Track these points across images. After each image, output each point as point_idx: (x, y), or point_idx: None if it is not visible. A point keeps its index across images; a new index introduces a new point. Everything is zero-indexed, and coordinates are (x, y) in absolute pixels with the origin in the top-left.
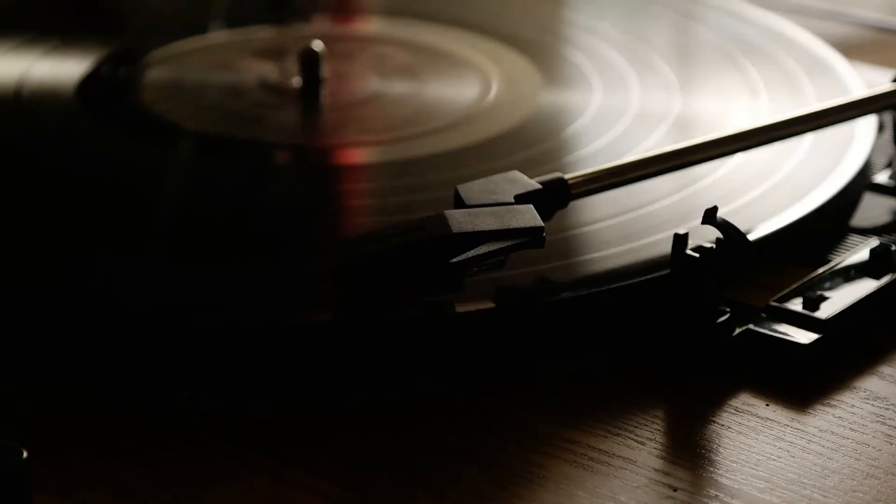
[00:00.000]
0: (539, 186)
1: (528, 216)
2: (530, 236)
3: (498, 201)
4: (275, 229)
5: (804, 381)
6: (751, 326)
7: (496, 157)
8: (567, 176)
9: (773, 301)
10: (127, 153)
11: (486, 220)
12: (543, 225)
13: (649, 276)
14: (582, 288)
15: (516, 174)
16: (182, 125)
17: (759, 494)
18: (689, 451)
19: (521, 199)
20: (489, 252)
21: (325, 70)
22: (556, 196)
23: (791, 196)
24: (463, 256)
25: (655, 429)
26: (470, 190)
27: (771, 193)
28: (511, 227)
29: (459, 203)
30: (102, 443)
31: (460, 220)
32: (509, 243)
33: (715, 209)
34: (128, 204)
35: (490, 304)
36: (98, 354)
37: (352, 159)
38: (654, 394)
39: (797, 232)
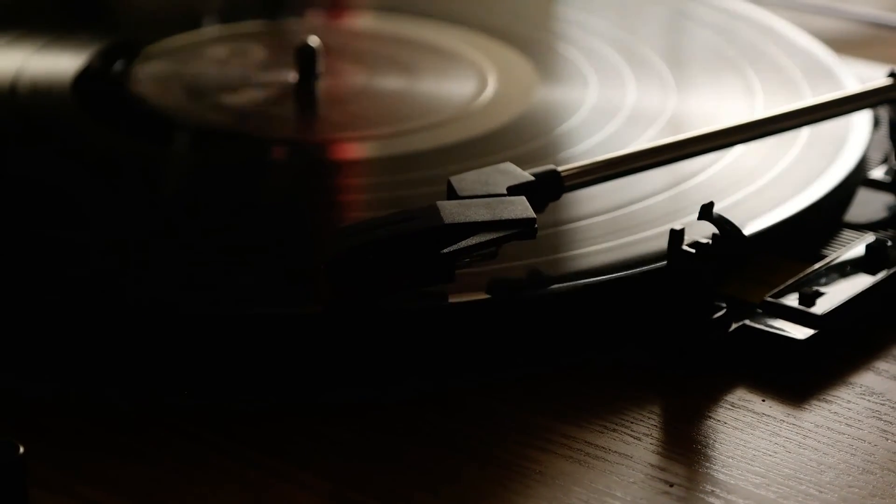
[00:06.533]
0: (532, 178)
1: (521, 207)
2: (522, 227)
3: (490, 192)
4: (269, 224)
5: (800, 377)
6: (747, 322)
7: (491, 153)
8: (560, 168)
9: (769, 297)
10: (122, 148)
11: (477, 212)
12: (535, 216)
13: (643, 270)
14: (577, 280)
15: (509, 166)
16: (177, 120)
17: (755, 490)
18: (686, 447)
19: (513, 190)
20: (480, 243)
21: (321, 65)
22: (549, 188)
23: (787, 192)
24: (454, 247)
25: (652, 424)
26: (463, 181)
27: (767, 189)
28: (503, 218)
29: (452, 194)
30: (99, 439)
31: (452, 210)
32: (501, 234)
33: (711, 205)
34: (123, 199)
35: (483, 296)
36: (94, 351)
37: (347, 154)
38: (650, 389)
39: (793, 227)
